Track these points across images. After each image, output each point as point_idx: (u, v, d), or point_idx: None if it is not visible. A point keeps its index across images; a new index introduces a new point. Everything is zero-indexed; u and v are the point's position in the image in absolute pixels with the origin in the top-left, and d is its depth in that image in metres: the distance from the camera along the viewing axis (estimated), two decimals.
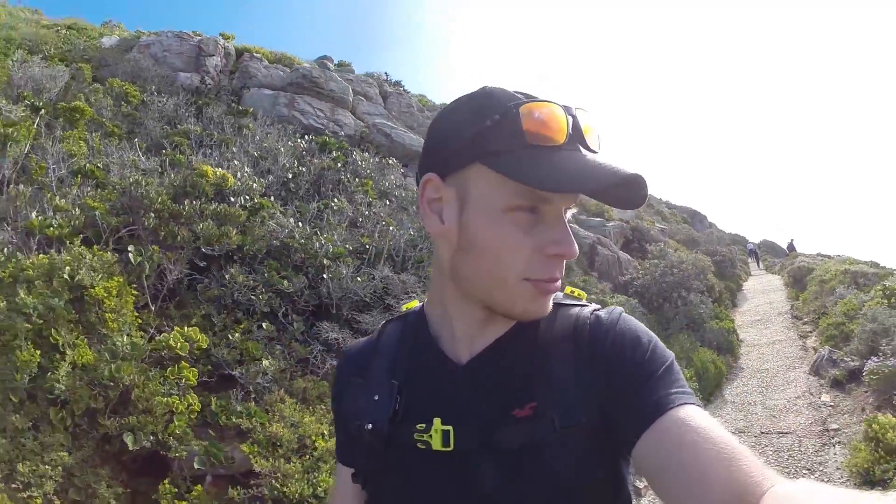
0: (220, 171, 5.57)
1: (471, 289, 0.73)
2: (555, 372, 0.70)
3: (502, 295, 0.70)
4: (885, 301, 7.95)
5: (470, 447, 0.70)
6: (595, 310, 0.76)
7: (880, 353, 6.11)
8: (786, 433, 5.60)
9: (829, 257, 20.74)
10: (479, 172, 0.67)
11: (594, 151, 0.68)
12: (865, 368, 5.99)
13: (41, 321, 3.13)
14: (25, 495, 2.61)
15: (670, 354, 0.70)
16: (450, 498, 0.71)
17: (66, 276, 3.39)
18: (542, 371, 0.71)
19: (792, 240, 28.30)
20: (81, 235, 4.17)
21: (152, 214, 4.61)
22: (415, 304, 0.89)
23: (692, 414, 0.61)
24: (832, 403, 6.17)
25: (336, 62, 17.65)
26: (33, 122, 5.66)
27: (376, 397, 0.76)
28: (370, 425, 0.74)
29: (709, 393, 7.31)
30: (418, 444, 0.72)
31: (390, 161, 9.11)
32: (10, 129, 5.06)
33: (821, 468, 4.75)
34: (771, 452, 5.20)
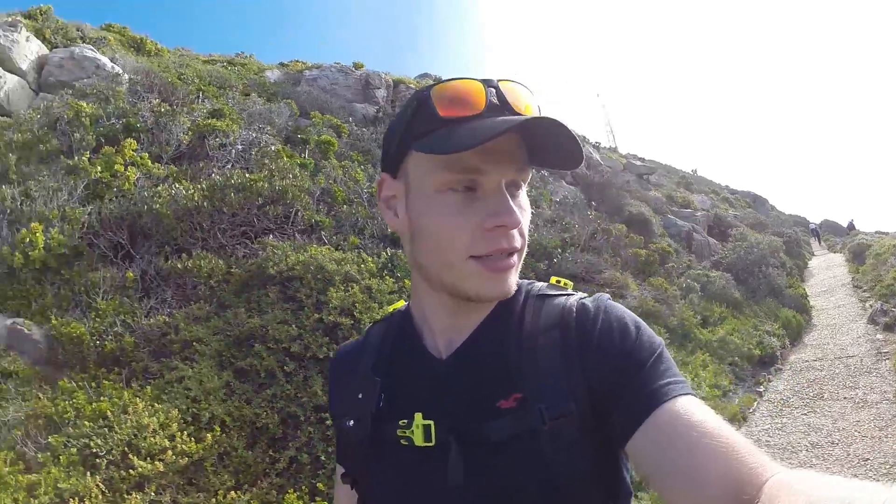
0: None
1: (429, 276, 0.74)
2: (542, 362, 0.69)
3: (452, 277, 0.70)
4: None
5: (451, 441, 0.69)
6: (581, 298, 0.75)
7: None
8: (851, 356, 8.39)
9: (885, 234, 22.42)
10: (413, 160, 0.70)
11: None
12: None
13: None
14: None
15: (659, 341, 0.69)
16: (432, 493, 0.71)
17: None
18: (529, 362, 0.70)
19: (852, 220, 29.63)
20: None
21: None
22: (401, 304, 0.90)
23: (687, 406, 0.60)
24: (884, 339, 8.86)
25: (434, 78, 20.32)
26: (303, 154, 7.40)
27: (360, 395, 0.78)
28: (351, 422, 0.77)
29: (793, 339, 10.07)
30: (401, 441, 0.72)
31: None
32: (307, 161, 6.89)
33: (877, 371, 7.54)
34: (843, 367, 7.99)
